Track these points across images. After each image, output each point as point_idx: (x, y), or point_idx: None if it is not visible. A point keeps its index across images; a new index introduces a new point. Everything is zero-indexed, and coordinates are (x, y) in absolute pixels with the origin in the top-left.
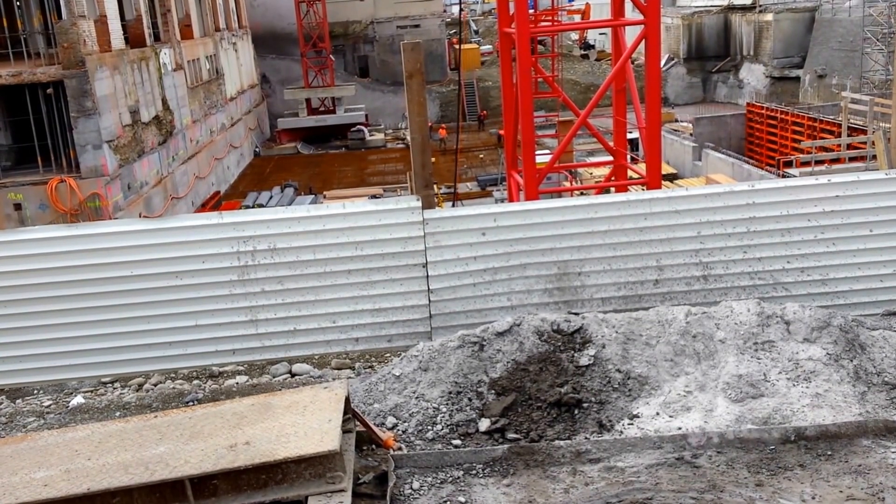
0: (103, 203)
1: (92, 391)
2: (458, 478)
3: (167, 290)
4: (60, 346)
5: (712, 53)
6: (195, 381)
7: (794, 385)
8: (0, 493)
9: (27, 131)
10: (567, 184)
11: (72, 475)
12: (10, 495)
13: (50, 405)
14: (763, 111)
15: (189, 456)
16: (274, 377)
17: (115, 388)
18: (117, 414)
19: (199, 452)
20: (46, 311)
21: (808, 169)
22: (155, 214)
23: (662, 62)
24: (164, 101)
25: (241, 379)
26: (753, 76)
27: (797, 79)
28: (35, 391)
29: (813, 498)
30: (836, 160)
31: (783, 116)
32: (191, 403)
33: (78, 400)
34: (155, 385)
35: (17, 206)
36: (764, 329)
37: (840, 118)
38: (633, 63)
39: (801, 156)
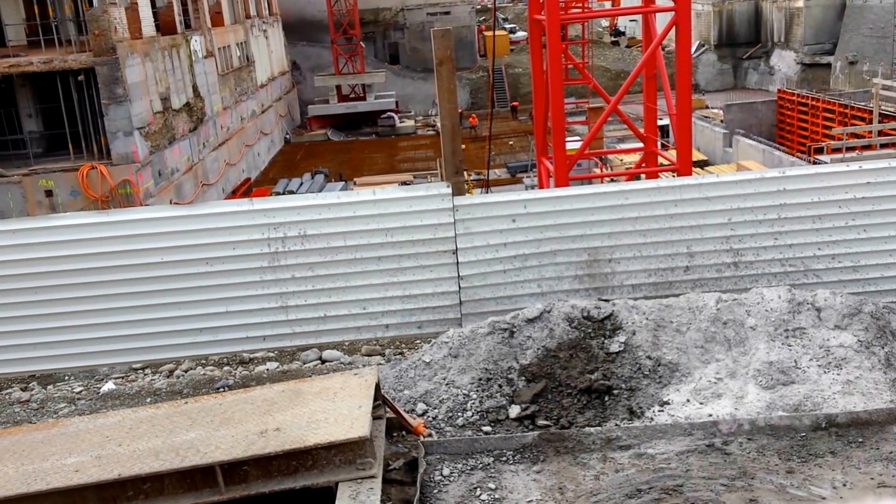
0: (134, 190)
1: (123, 377)
2: (489, 464)
3: (198, 276)
4: (91, 333)
5: (743, 40)
6: (226, 368)
7: (825, 372)
8: (32, 479)
9: (58, 118)
10: (597, 170)
11: (103, 461)
12: (41, 481)
13: (81, 391)
14: (794, 98)
15: (220, 442)
16: (304, 363)
17: (145, 375)
18: (148, 400)
19: (230, 439)
20: (77, 297)
21: (840, 155)
22: (186, 201)
23: (693, 49)
24: (195, 88)
25: (272, 365)
26: (784, 63)
27: (828, 65)
28: (66, 377)
29: (844, 485)
30: (868, 147)
31: (814, 103)
32: (221, 389)
33: (109, 386)
34: (186, 371)
35: (49, 193)
36: (795, 316)
37: (871, 105)
38: (663, 49)
39: (832, 142)
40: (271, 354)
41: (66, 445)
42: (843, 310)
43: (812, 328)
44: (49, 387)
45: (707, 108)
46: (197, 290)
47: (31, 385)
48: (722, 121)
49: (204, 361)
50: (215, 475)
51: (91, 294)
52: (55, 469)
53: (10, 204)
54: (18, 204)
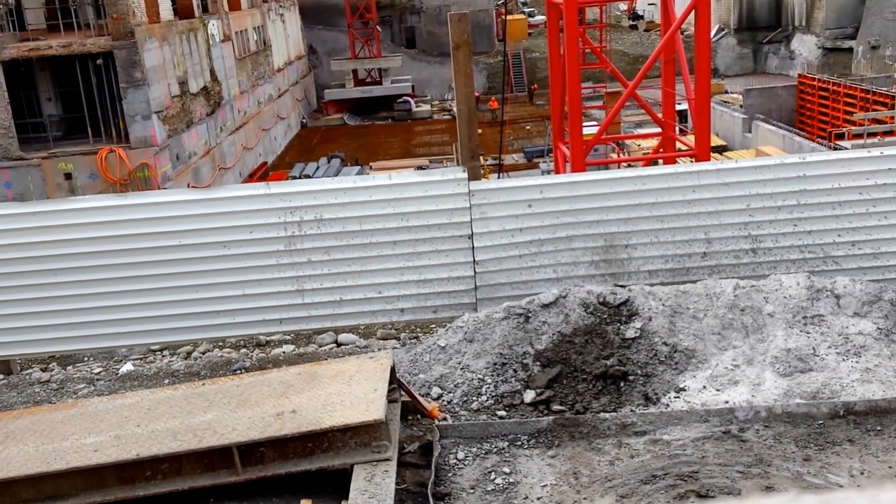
0: (152, 173)
1: (141, 359)
2: (503, 449)
3: (215, 259)
4: (110, 314)
5: (763, 24)
6: (242, 350)
7: (843, 359)
8: (52, 458)
9: (77, 102)
10: (614, 155)
11: (121, 441)
12: (61, 460)
13: (100, 372)
14: (815, 83)
15: (236, 423)
16: (320, 346)
17: (163, 356)
18: (166, 381)
19: (247, 420)
20: (96, 279)
21: (861, 141)
22: (203, 185)
23: (712, 32)
24: (212, 72)
25: (288, 348)
26: (805, 47)
27: (850, 50)
28: (85, 358)
29: (861, 473)
30: (889, 132)
31: (835, 88)
32: (238, 372)
33: (127, 367)
34: (203, 353)
35: (68, 176)
36: (813, 303)
37: (893, 90)
38: (682, 33)
39: (853, 128)
40: (287, 337)
41: (85, 425)
42: (863, 297)
43: (831, 315)
44: (68, 367)
45: (726, 92)
46: (214, 273)
47: (50, 366)
48: (741, 106)
49: (221, 343)
50: (232, 456)
51: (110, 276)
52: (75, 449)
53: (30, 187)
54: (38, 187)
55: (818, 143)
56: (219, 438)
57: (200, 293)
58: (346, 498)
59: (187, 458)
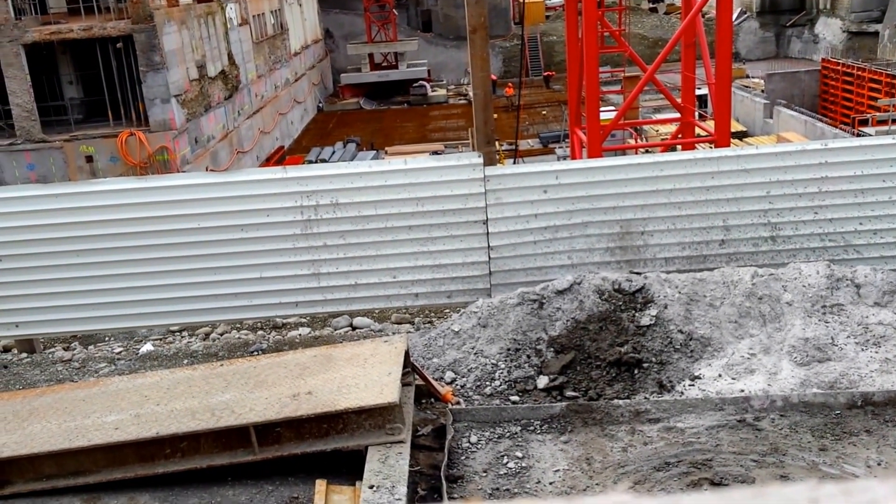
0: (171, 156)
1: (161, 339)
2: (516, 433)
3: (233, 242)
4: (131, 296)
5: (787, 7)
6: (259, 332)
7: (862, 349)
8: (74, 435)
9: (98, 85)
10: (632, 141)
11: (141, 420)
12: (83, 437)
13: (120, 352)
14: (839, 67)
15: (254, 404)
16: (335, 330)
17: (182, 337)
18: (185, 362)
19: (264, 401)
20: (117, 260)
21: (885, 128)
22: (221, 168)
23: (734, 16)
24: (230, 56)
25: (304, 330)
26: (829, 31)
27: (876, 34)
28: (106, 338)
29: (878, 464)
30: None
31: (860, 73)
32: (255, 353)
33: (147, 347)
34: (221, 334)
35: (89, 159)
36: (833, 292)
37: None
38: (703, 17)
39: (877, 114)
40: (303, 320)
41: (106, 404)
42: (884, 286)
43: (850, 305)
44: (90, 347)
45: (747, 77)
46: (232, 255)
47: (72, 345)
48: (763, 91)
49: (239, 325)
50: (249, 436)
51: (130, 258)
52: (96, 426)
53: (52, 169)
54: (60, 169)
55: (841, 129)
56: (236, 418)
57: (218, 275)
58: (361, 479)
59: (205, 436)
